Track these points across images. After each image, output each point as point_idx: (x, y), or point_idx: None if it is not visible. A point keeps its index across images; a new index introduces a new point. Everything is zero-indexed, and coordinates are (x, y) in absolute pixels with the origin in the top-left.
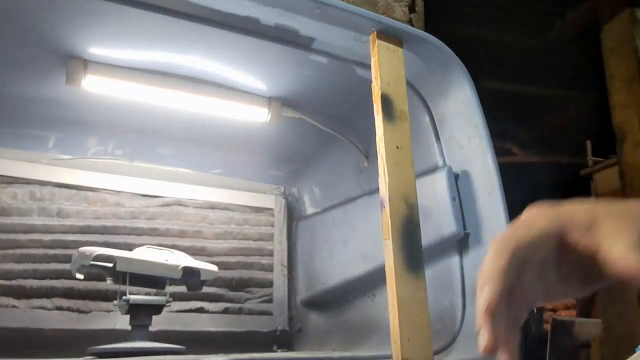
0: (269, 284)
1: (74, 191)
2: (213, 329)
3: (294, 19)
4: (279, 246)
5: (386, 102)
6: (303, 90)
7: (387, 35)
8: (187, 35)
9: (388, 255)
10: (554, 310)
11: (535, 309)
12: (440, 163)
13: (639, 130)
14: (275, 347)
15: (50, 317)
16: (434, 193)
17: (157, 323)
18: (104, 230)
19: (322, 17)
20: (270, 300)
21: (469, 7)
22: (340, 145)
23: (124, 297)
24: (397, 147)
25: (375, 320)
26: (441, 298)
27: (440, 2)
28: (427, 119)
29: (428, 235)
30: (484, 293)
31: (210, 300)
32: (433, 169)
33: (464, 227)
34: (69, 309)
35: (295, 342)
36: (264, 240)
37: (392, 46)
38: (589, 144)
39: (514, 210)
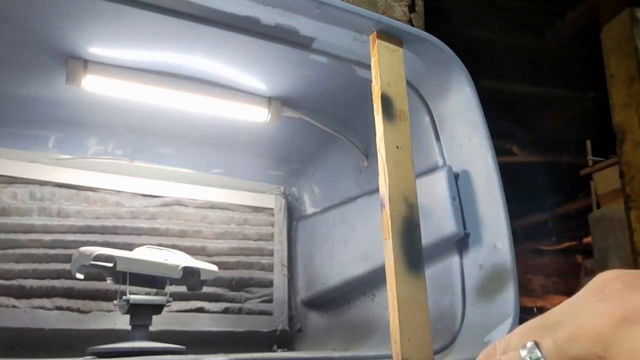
0: (269, 284)
1: (74, 191)
2: (213, 328)
3: (294, 19)
4: (279, 246)
5: (386, 102)
6: (303, 90)
7: (387, 35)
8: (187, 35)
9: (388, 255)
10: None
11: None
12: (440, 163)
13: (639, 130)
14: (275, 347)
15: (50, 317)
16: (434, 193)
17: (157, 323)
18: (104, 230)
19: (322, 17)
20: (270, 300)
21: (469, 7)
22: (340, 145)
23: (124, 297)
24: (397, 147)
25: (375, 320)
26: (441, 298)
27: (441, 2)
28: (427, 119)
29: (428, 235)
30: None
31: (210, 300)
32: (433, 169)
33: (464, 227)
34: (69, 309)
35: (295, 342)
36: (264, 240)
37: (392, 46)
38: (589, 143)
39: (514, 210)
